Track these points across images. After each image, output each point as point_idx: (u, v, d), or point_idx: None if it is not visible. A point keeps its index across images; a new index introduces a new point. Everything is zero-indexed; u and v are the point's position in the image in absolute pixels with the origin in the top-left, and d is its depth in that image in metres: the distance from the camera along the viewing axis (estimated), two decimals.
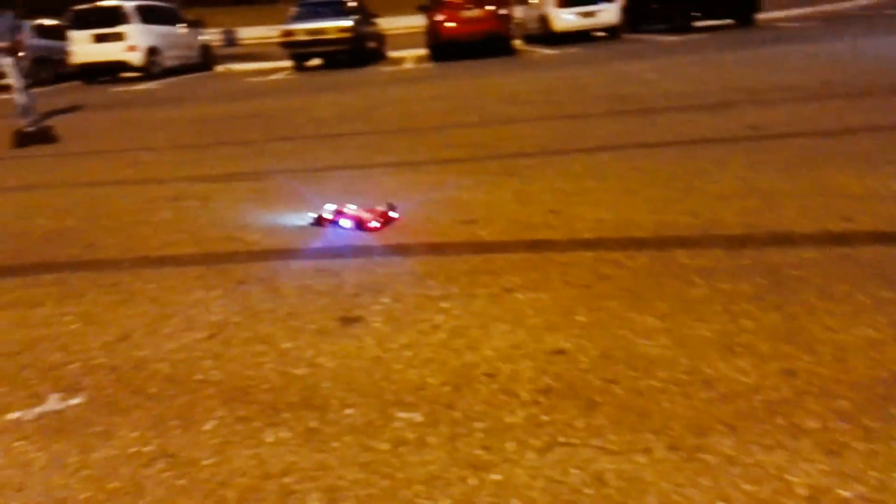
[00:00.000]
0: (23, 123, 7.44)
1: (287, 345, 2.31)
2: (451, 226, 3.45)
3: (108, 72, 16.26)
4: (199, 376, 2.15)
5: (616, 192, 3.79)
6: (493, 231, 3.33)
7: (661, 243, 2.99)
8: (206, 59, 19.22)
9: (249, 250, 3.34)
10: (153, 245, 3.54)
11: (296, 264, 3.10)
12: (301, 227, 3.60)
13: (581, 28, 15.71)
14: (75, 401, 2.08)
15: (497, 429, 1.75)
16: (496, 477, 1.57)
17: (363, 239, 3.35)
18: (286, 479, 1.62)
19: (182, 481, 1.64)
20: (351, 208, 3.57)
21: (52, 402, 2.09)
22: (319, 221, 3.56)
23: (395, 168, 4.95)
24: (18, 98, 7.60)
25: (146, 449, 1.79)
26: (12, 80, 7.69)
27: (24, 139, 7.19)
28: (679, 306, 2.36)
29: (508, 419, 1.79)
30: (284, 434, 1.81)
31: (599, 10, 15.62)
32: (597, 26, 16.08)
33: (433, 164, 5.03)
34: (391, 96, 9.77)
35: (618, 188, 3.88)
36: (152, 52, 16.28)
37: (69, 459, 1.78)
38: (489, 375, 2.01)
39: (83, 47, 15.56)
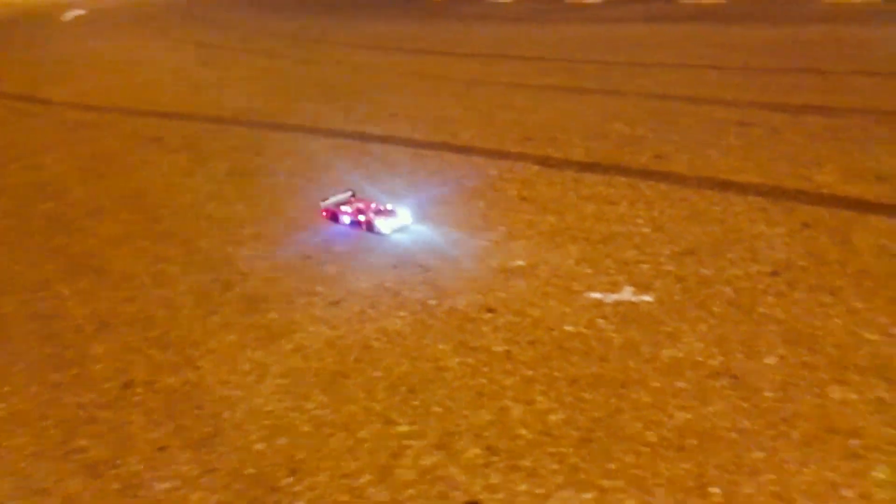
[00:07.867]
0: None
1: (858, 304, 2.20)
2: None
3: None
4: (762, 310, 2.22)
5: None
6: None
7: None
8: None
9: (818, 192, 3.20)
10: (720, 168, 3.64)
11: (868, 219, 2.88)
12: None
13: None
14: (646, 298, 2.35)
15: None
16: None
17: None
18: (852, 441, 1.60)
19: (745, 404, 1.76)
20: None
21: (627, 294, 2.40)
22: None
23: None
24: None
25: (710, 362, 1.95)
26: None
27: None
28: None
29: None
30: (851, 395, 1.77)
31: None
32: None
33: None
34: None
35: None
36: None
37: (641, 349, 2.05)
38: None
39: None
